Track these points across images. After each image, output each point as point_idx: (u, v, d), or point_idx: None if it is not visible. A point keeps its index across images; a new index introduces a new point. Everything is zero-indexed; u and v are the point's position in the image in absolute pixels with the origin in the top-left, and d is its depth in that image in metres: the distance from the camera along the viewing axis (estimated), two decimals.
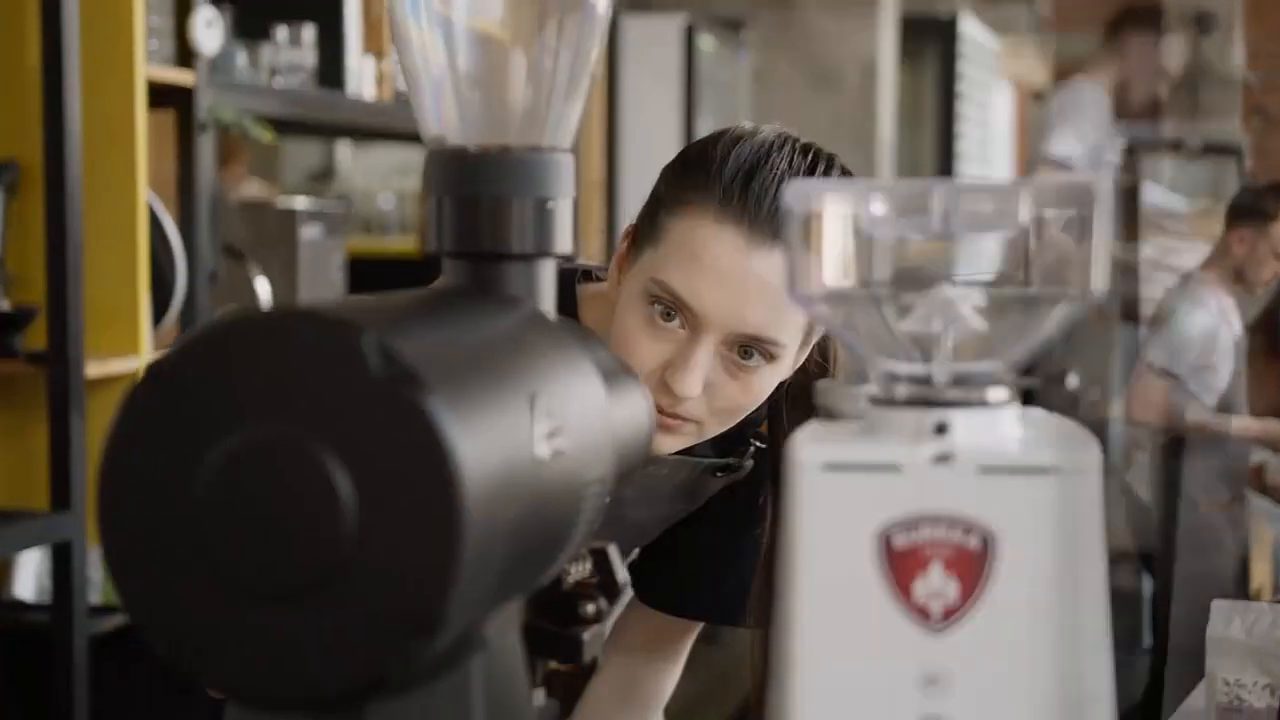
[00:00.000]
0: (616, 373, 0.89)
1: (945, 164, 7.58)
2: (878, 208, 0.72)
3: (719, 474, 1.44)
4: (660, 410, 1.27)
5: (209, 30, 2.69)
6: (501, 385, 0.69)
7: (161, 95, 2.68)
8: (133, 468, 0.64)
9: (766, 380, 1.29)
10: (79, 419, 2.39)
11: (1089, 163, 4.36)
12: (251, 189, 3.95)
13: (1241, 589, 4.32)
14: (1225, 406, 4.14)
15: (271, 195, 3.92)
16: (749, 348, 1.26)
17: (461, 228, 0.83)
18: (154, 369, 0.64)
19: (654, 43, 5.12)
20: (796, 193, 0.72)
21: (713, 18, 5.29)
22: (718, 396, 1.28)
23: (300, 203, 3.23)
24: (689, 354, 1.25)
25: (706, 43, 5.02)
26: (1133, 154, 4.47)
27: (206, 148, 2.73)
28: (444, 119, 0.85)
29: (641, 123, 4.86)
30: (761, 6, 5.56)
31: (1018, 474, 0.68)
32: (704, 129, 5.95)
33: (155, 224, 2.61)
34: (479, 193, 0.82)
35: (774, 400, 1.36)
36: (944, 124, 7.54)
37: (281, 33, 3.09)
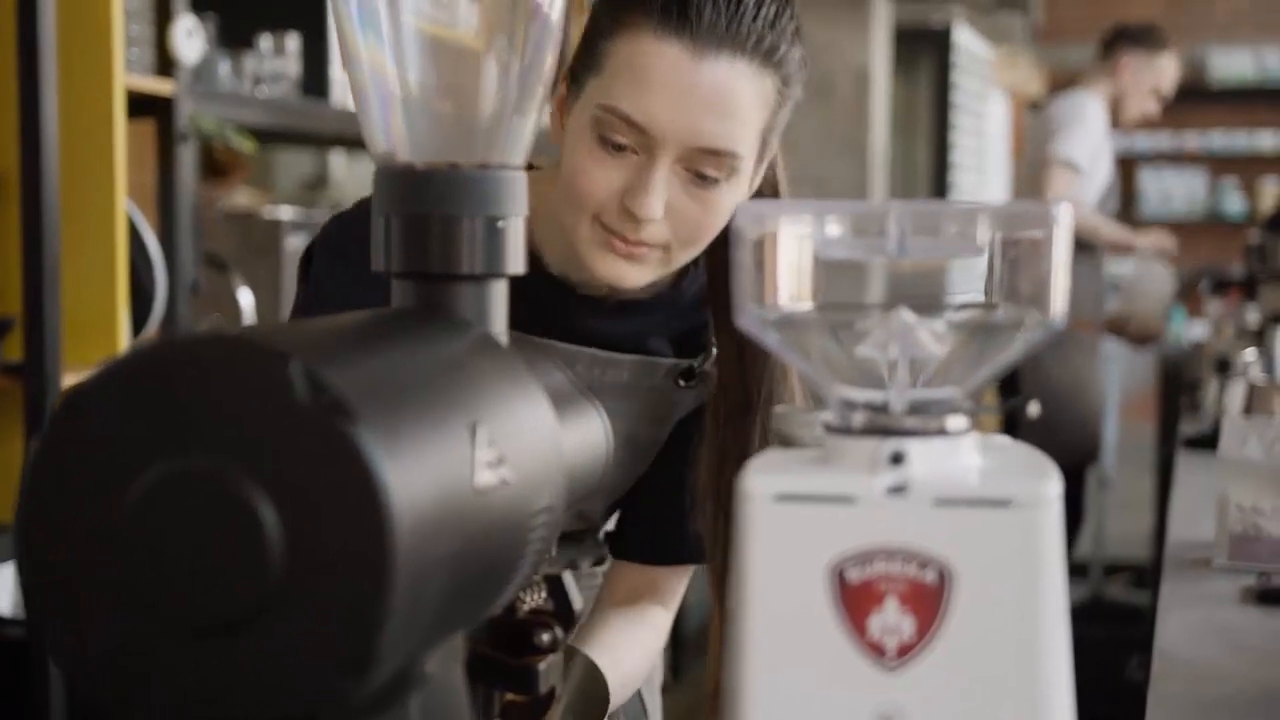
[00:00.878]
0: (569, 395, 0.86)
1: (940, 173, 7.56)
2: (833, 230, 0.70)
3: (682, 382, 1.41)
4: (624, 239, 1.26)
5: (189, 40, 2.67)
6: (440, 413, 0.66)
7: (142, 105, 2.65)
8: (53, 498, 0.62)
9: (727, 198, 1.27)
10: None
11: (1089, 169, 4.44)
12: (243, 198, 3.93)
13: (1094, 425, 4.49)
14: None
15: (262, 204, 3.90)
16: (704, 172, 1.24)
17: (410, 247, 0.81)
18: (74, 396, 0.61)
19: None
20: (748, 214, 0.70)
21: None
22: (680, 219, 1.26)
23: (286, 213, 3.20)
24: (646, 176, 1.23)
25: None
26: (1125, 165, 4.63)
27: (187, 157, 2.71)
28: (392, 135, 0.83)
29: None
30: None
31: (975, 506, 0.66)
32: None
33: (135, 234, 2.58)
34: (428, 211, 0.80)
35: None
36: (939, 133, 7.53)
37: (265, 41, 3.07)
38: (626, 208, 1.24)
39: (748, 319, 0.71)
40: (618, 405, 1.35)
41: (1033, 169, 4.52)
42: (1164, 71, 4.48)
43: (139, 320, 2.61)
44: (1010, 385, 4.43)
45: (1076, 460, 4.59)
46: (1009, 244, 0.68)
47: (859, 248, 0.70)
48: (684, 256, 1.29)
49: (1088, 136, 4.36)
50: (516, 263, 0.82)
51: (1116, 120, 4.57)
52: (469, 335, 0.77)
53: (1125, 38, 4.57)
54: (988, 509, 0.66)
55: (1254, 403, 3.00)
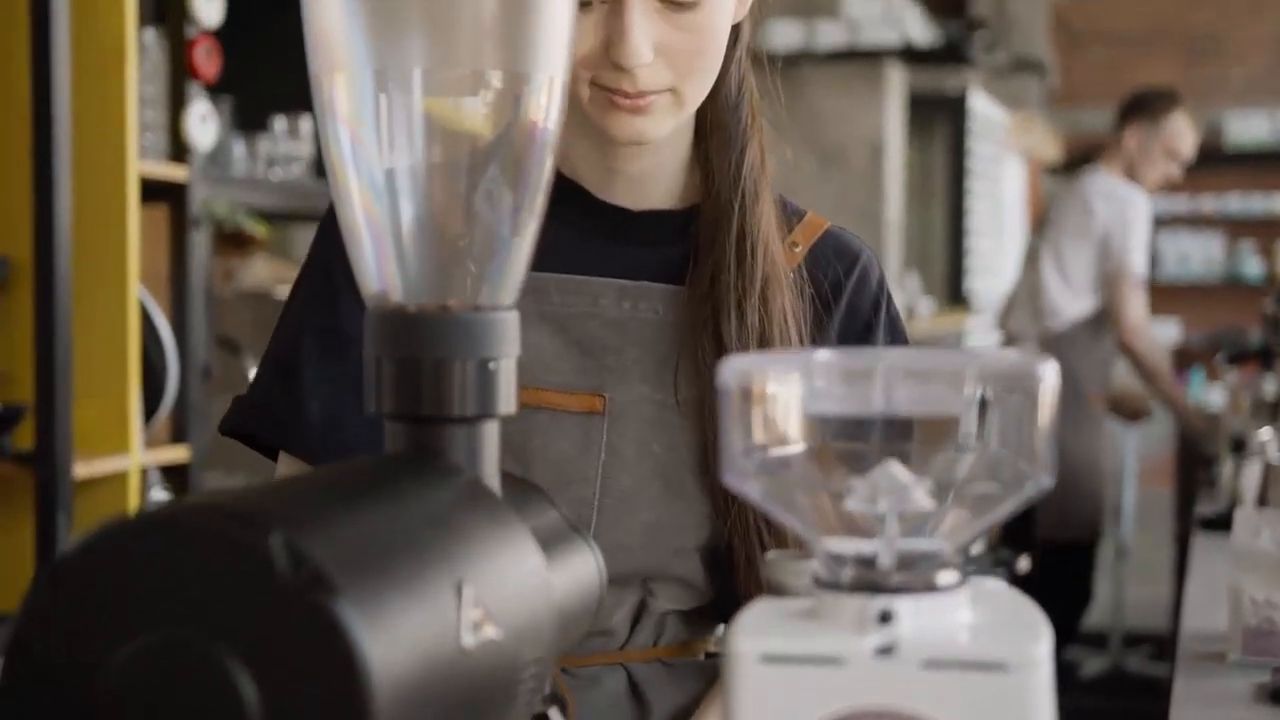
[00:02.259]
0: (561, 535, 0.86)
1: (956, 239, 7.56)
2: (819, 383, 0.70)
3: None
4: (625, 95, 1.20)
5: (203, 125, 2.69)
6: (425, 575, 0.66)
7: (155, 190, 2.67)
8: (33, 671, 0.62)
9: (715, 18, 1.21)
10: (66, 521, 2.36)
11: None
12: (261, 270, 3.94)
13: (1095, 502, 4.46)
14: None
15: (281, 274, 3.91)
16: None
17: (401, 390, 0.80)
18: (56, 567, 0.61)
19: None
20: (733, 369, 0.70)
21: None
22: (674, 55, 1.20)
23: None
24: (620, 21, 1.17)
25: None
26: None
27: (200, 242, 2.72)
28: (384, 275, 0.82)
29: None
30: (767, 87, 5.57)
31: (965, 669, 0.65)
32: None
33: (147, 320, 2.59)
34: (419, 354, 0.80)
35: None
36: (954, 199, 7.54)
37: (279, 124, 3.09)
38: (615, 62, 1.19)
39: (732, 471, 0.70)
40: (654, 345, 1.27)
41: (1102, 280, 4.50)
42: (1175, 134, 4.47)
43: (150, 406, 2.61)
44: None
45: (1087, 534, 4.55)
46: (997, 398, 0.68)
47: (846, 401, 0.70)
48: (695, 93, 1.23)
49: (1145, 239, 4.43)
50: (509, 403, 0.82)
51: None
52: (457, 483, 0.77)
53: (1129, 108, 4.60)
54: (978, 672, 0.65)
55: (1270, 483, 2.98)
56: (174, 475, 2.79)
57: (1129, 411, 4.90)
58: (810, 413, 0.70)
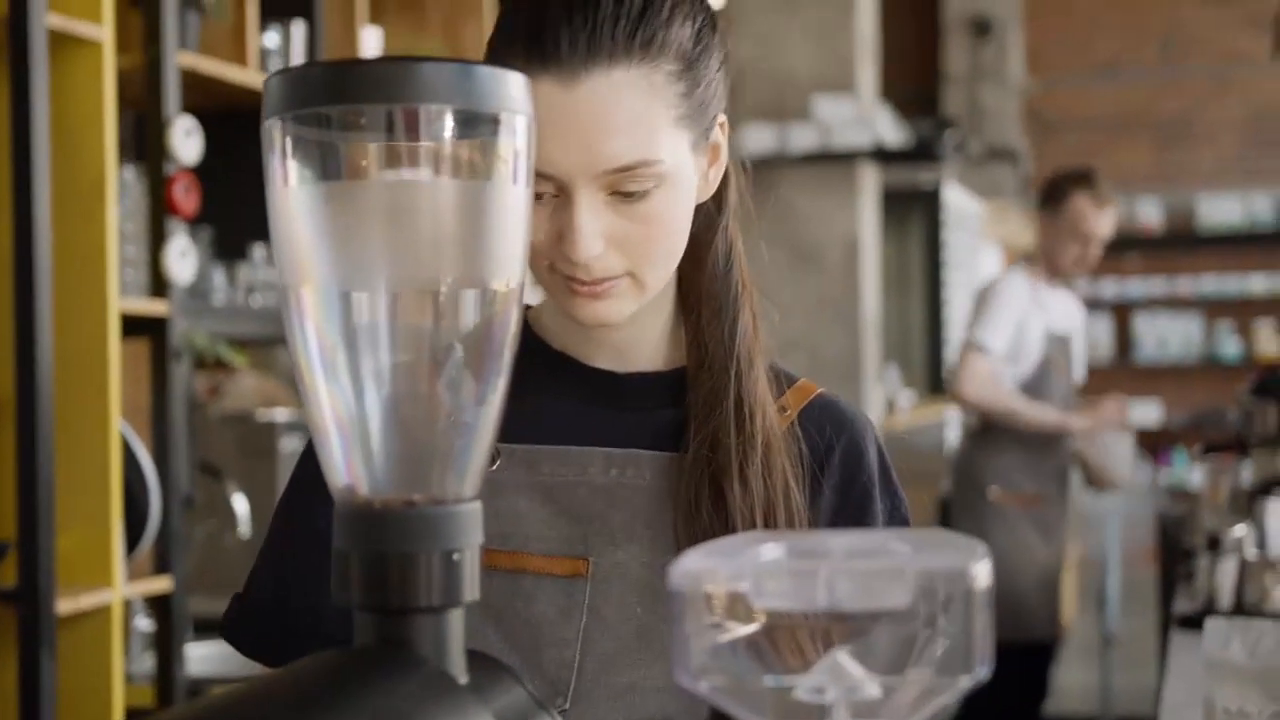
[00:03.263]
0: (526, 714, 0.89)
1: (934, 329, 7.63)
2: (766, 584, 0.73)
3: None
4: (581, 283, 1.20)
5: (183, 260, 2.73)
6: None
7: (136, 324, 2.71)
8: None
9: (669, 204, 1.20)
10: (50, 659, 2.37)
11: (1010, 350, 4.42)
12: (248, 385, 3.97)
13: (1046, 605, 4.41)
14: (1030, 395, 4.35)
15: (266, 393, 3.94)
16: (627, 189, 1.18)
17: (369, 583, 0.84)
18: None
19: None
20: (683, 571, 0.73)
21: None
22: (627, 243, 1.19)
23: (281, 414, 3.24)
24: (569, 217, 1.17)
25: None
26: None
27: (180, 374, 2.75)
28: (351, 471, 0.86)
29: None
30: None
31: None
32: None
33: (129, 453, 2.62)
34: (386, 548, 0.83)
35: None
36: (931, 289, 7.62)
37: (259, 251, 3.13)
38: (564, 254, 1.19)
39: (681, 666, 0.73)
40: (642, 510, 1.27)
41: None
42: (1077, 216, 4.37)
43: (133, 538, 2.63)
44: None
45: (1038, 636, 4.51)
46: (935, 595, 0.71)
47: (793, 596, 0.73)
48: (655, 276, 1.23)
49: (1005, 316, 4.35)
50: (473, 591, 0.85)
51: (1054, 271, 4.51)
52: (422, 675, 0.80)
53: (1039, 197, 4.64)
54: None
55: (1246, 581, 3.01)
56: (158, 605, 2.81)
57: (1094, 481, 4.89)
58: (758, 608, 0.74)
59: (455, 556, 0.84)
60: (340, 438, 0.86)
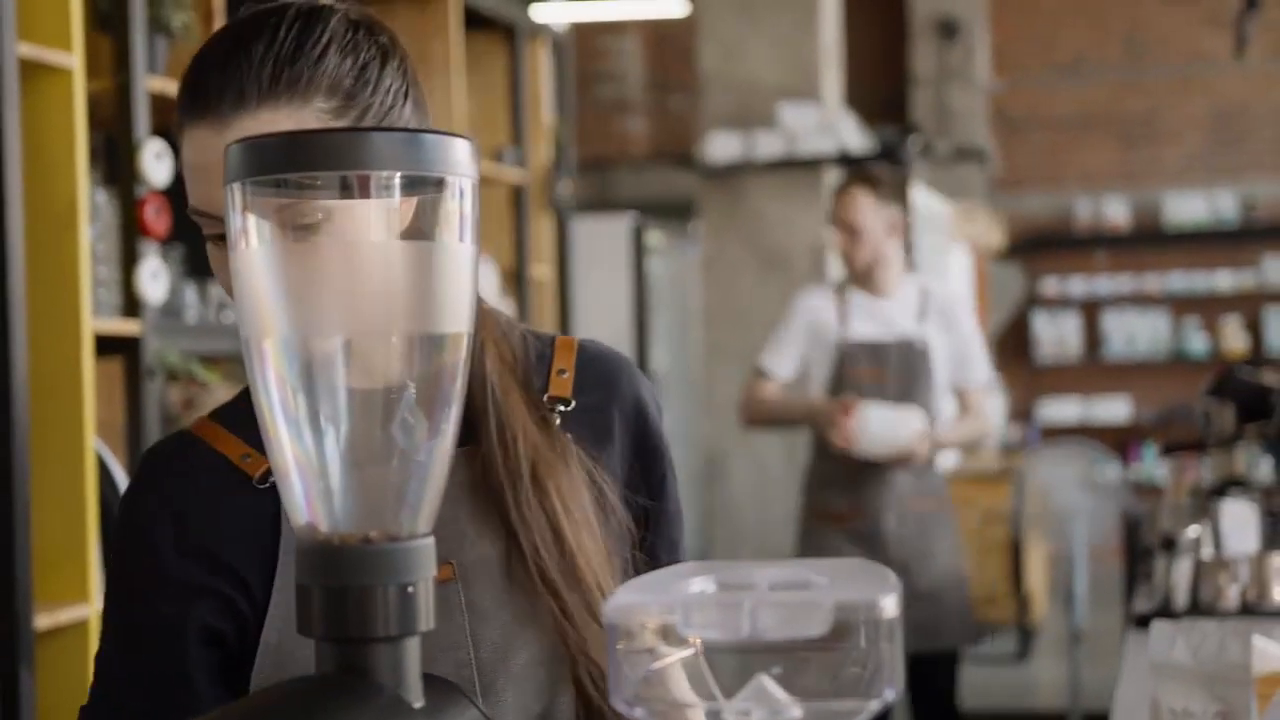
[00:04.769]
0: None
1: None
2: (694, 615, 0.79)
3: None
4: None
5: (154, 281, 2.78)
6: None
7: (109, 344, 2.76)
8: None
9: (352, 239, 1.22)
10: (28, 673, 2.42)
11: (800, 373, 4.29)
12: (222, 398, 4.01)
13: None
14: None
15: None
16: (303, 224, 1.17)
17: (329, 614, 0.90)
18: None
19: (604, 240, 5.26)
20: (616, 606, 0.79)
21: (663, 211, 5.43)
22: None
23: None
24: None
25: (655, 237, 5.14)
26: None
27: (153, 393, 2.80)
28: (312, 509, 0.92)
29: (594, 318, 4.96)
30: (711, 194, 5.72)
31: None
32: (655, 320, 6.08)
33: (104, 471, 2.67)
34: (345, 582, 0.89)
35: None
36: None
37: None
38: None
39: (618, 694, 0.79)
40: (469, 504, 1.31)
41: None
42: (837, 205, 4.24)
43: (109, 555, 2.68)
44: None
45: (952, 643, 4.36)
46: (847, 627, 0.77)
47: (719, 627, 0.79)
48: None
49: (787, 337, 4.22)
50: (428, 620, 0.91)
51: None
52: (379, 703, 0.86)
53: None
54: None
55: (1201, 580, 3.07)
56: None
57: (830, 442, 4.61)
58: (685, 639, 0.80)
59: (410, 589, 0.90)
60: (300, 478, 0.92)
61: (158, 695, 1.28)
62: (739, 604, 0.79)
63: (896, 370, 4.23)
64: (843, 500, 4.21)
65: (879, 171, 4.35)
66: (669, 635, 0.80)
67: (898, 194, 4.27)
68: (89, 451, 2.60)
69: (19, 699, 2.41)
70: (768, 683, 0.79)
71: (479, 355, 1.31)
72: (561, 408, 1.33)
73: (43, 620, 2.51)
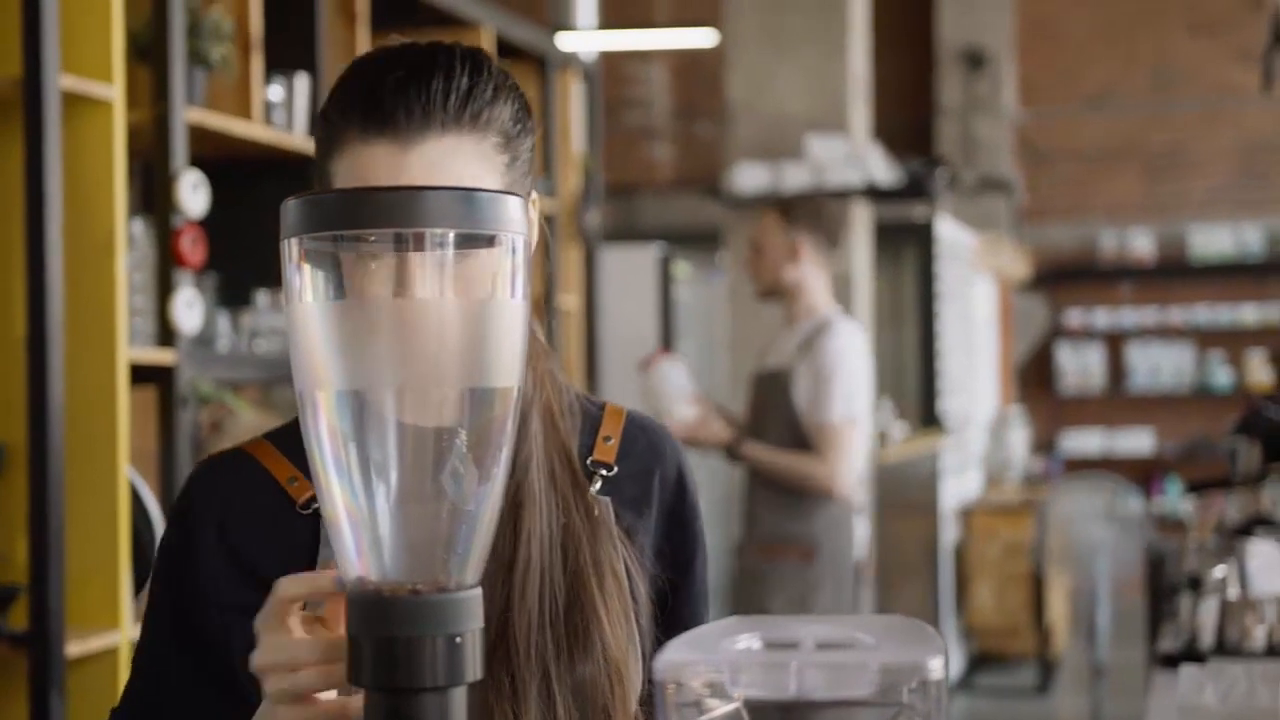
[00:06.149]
0: None
1: (927, 361, 7.70)
2: (741, 675, 0.80)
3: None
4: None
5: (189, 310, 2.81)
6: None
7: (144, 373, 2.78)
8: None
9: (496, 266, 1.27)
10: (59, 700, 2.44)
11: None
12: (249, 421, 4.02)
13: None
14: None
15: (267, 429, 3.99)
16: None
17: (378, 665, 0.91)
18: None
19: (631, 269, 5.27)
20: (665, 663, 0.80)
21: (689, 240, 5.44)
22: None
23: None
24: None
25: (682, 269, 5.15)
26: None
27: (186, 421, 2.83)
28: (362, 561, 0.93)
29: (621, 348, 4.97)
30: (738, 224, 5.72)
31: None
32: (682, 349, 6.10)
33: (136, 500, 2.69)
34: (393, 633, 0.91)
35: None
36: (925, 322, 7.68)
37: (262, 298, 3.21)
38: None
39: None
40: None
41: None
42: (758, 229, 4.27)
43: (140, 581, 2.70)
44: None
45: None
46: (893, 689, 0.78)
47: (765, 686, 0.80)
48: None
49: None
50: (475, 670, 0.93)
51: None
52: None
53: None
54: None
55: (1227, 621, 3.06)
56: None
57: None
58: (736, 696, 0.81)
59: (458, 640, 0.91)
60: (351, 529, 0.93)
61: (190, 694, 1.28)
62: (786, 664, 0.80)
63: (755, 400, 4.20)
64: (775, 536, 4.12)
65: (800, 200, 4.37)
66: (717, 692, 0.81)
67: (814, 225, 4.21)
68: (123, 480, 2.62)
69: None
70: None
71: (527, 410, 1.32)
72: (604, 472, 1.34)
73: (74, 648, 2.52)
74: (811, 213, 4.26)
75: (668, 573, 1.36)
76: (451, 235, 0.91)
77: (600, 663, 1.25)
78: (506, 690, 1.23)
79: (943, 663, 0.79)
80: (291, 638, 1.01)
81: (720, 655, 0.81)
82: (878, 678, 0.78)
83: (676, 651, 0.82)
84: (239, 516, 1.30)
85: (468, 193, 0.92)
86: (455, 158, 1.23)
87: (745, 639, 0.83)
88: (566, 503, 1.30)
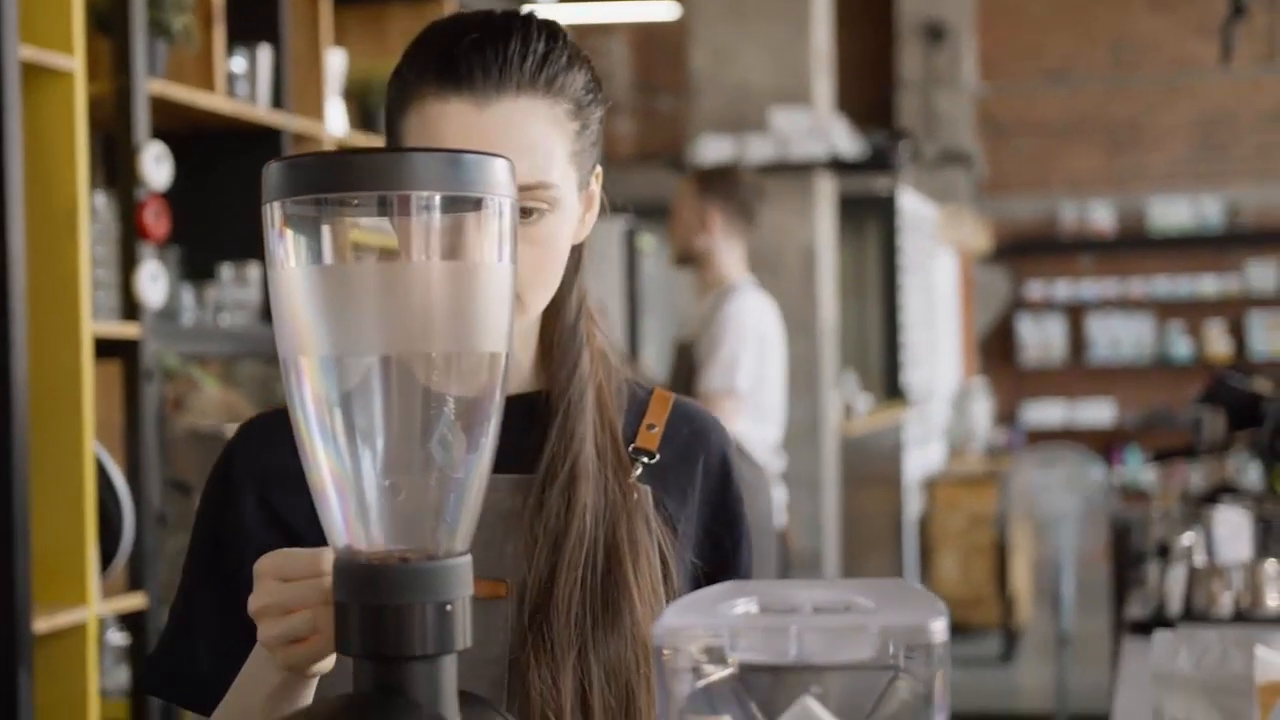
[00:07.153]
0: None
1: (890, 333, 7.72)
2: (740, 639, 0.79)
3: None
4: None
5: (153, 284, 2.78)
6: None
7: (108, 347, 2.75)
8: None
9: (557, 230, 1.26)
10: (27, 676, 2.42)
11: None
12: (212, 397, 3.99)
13: None
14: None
15: (230, 405, 3.97)
16: (524, 206, 1.22)
17: (366, 633, 0.90)
18: None
19: (597, 242, 5.23)
20: (664, 628, 0.80)
21: (654, 214, 5.43)
22: (519, 262, 1.22)
23: None
24: None
25: (647, 242, 5.13)
26: None
27: (151, 394, 2.80)
28: (350, 529, 0.92)
29: None
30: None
31: None
32: (648, 324, 6.09)
33: (103, 473, 2.66)
34: (382, 601, 0.89)
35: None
36: (888, 294, 7.70)
37: (227, 271, 3.18)
38: None
39: (664, 715, 0.80)
40: (516, 531, 1.28)
41: None
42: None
43: (107, 555, 2.68)
44: None
45: None
46: (892, 652, 0.78)
47: (765, 650, 0.80)
48: (536, 300, 1.28)
49: None
50: (465, 638, 0.91)
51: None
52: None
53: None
54: None
55: (1195, 587, 3.08)
56: (131, 621, 2.85)
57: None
58: (732, 661, 0.80)
59: (448, 607, 0.90)
60: (338, 496, 0.92)
61: (229, 642, 1.26)
62: (785, 628, 0.79)
63: (673, 370, 4.24)
64: None
65: (716, 172, 4.35)
66: (715, 657, 0.80)
67: (727, 196, 4.18)
68: (89, 454, 2.59)
69: (17, 702, 2.40)
70: (812, 703, 0.80)
71: (583, 386, 1.32)
72: (645, 459, 1.33)
73: (41, 623, 2.50)
74: (725, 184, 4.24)
75: (711, 561, 1.35)
76: (438, 198, 0.89)
77: (629, 639, 1.25)
78: (545, 655, 1.23)
79: (943, 625, 0.78)
80: (285, 583, 1.01)
81: (719, 619, 0.80)
82: (877, 641, 0.78)
83: (674, 616, 0.81)
84: (278, 478, 1.28)
85: (453, 154, 0.90)
86: (529, 120, 1.24)
87: (743, 603, 0.83)
88: (610, 481, 1.29)
